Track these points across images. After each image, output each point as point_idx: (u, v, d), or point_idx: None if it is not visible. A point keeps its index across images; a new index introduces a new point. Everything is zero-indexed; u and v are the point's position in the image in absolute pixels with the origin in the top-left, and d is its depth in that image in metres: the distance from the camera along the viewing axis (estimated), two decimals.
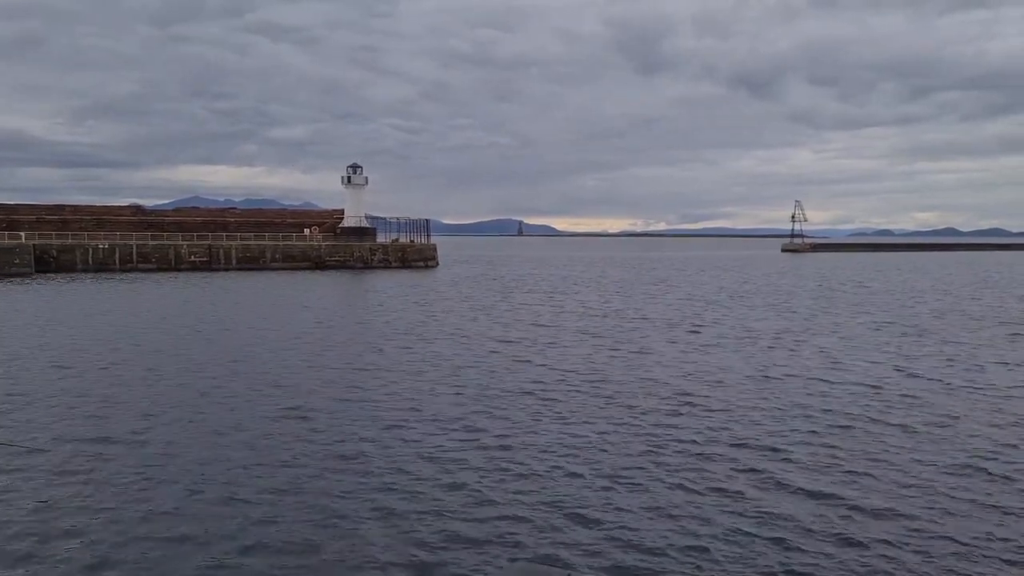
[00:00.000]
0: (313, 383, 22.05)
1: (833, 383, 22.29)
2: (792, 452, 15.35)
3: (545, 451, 15.39)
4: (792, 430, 17.02)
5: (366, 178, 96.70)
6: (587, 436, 16.49)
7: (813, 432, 16.84)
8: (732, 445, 15.81)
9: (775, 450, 15.45)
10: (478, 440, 16.18)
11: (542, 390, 21.22)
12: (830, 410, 18.92)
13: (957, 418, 18.12)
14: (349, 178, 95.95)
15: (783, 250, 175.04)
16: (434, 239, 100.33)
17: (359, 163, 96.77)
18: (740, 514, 12.00)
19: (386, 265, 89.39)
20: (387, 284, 63.93)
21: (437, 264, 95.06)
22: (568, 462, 14.67)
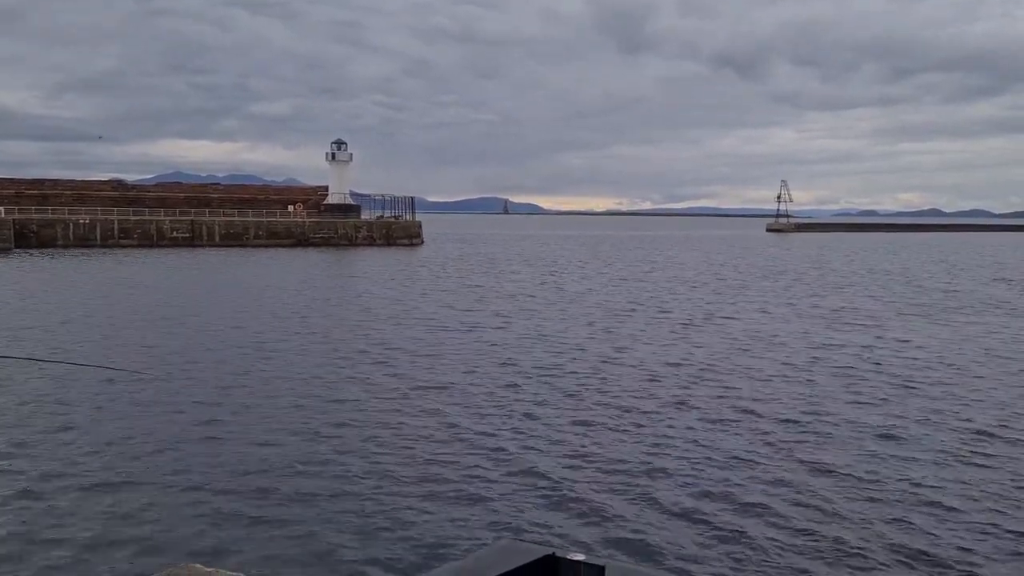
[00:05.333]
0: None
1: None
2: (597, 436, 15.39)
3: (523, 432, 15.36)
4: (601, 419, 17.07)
5: (351, 155, 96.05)
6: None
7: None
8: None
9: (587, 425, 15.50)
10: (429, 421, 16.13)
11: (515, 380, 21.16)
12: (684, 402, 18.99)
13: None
14: (333, 154, 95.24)
15: (768, 230, 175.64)
16: (419, 217, 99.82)
17: (343, 139, 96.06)
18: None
19: (371, 243, 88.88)
20: (372, 265, 63.61)
21: (422, 242, 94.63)
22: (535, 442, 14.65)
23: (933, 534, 10.53)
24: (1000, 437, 14.83)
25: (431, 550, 10.01)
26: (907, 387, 19.06)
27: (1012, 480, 12.53)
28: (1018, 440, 14.66)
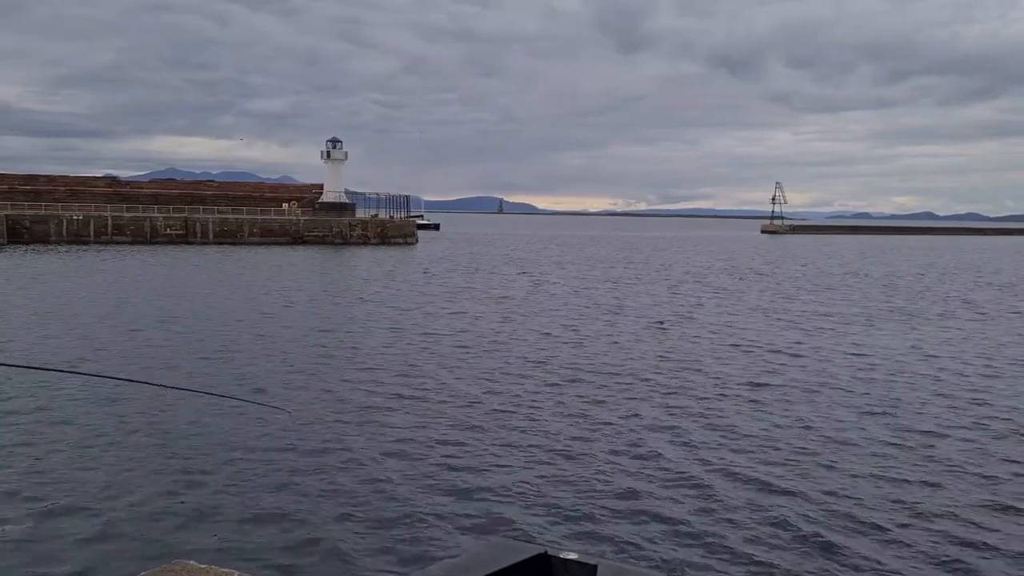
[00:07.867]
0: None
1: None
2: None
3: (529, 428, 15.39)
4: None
5: (346, 153, 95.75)
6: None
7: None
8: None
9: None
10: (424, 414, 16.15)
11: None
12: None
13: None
14: (328, 153, 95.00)
15: (762, 231, 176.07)
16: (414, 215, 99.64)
17: (338, 137, 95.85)
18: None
19: (365, 241, 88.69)
20: (367, 264, 63.47)
21: (416, 241, 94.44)
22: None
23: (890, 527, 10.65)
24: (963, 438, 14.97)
25: (423, 548, 10.03)
26: (870, 389, 19.23)
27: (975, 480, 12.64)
28: (984, 443, 14.80)
